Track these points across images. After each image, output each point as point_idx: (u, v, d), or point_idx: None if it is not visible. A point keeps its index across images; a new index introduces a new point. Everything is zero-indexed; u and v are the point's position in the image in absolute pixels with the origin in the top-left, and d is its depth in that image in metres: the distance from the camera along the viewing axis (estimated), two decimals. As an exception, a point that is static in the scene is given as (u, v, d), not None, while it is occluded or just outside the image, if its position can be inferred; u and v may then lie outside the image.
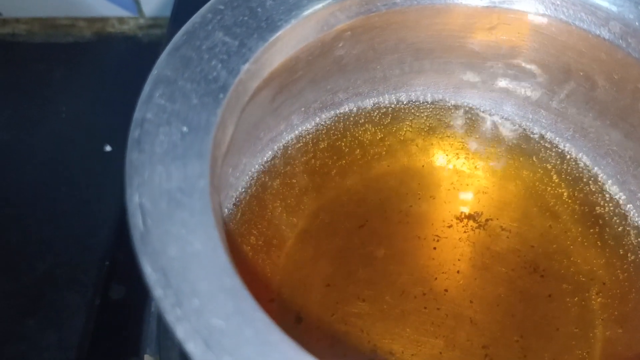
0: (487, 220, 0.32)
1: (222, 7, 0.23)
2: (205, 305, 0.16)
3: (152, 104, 0.20)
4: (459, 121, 0.33)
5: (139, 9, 0.63)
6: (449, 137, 0.33)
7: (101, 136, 0.56)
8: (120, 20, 0.64)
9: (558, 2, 0.25)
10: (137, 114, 0.20)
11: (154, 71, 0.21)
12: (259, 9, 0.23)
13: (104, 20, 0.64)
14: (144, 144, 0.19)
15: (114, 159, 0.55)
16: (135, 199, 0.18)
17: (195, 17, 0.23)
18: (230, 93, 0.22)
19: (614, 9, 0.24)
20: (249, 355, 0.16)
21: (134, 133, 0.19)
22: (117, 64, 0.63)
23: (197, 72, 0.22)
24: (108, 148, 0.56)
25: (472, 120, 0.33)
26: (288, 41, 0.24)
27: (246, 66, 0.22)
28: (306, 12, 0.24)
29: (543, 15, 0.26)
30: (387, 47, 0.29)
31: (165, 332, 0.29)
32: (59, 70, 0.60)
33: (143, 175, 0.18)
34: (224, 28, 0.23)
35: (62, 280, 0.48)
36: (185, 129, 0.20)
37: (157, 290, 0.16)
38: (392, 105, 0.33)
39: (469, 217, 0.32)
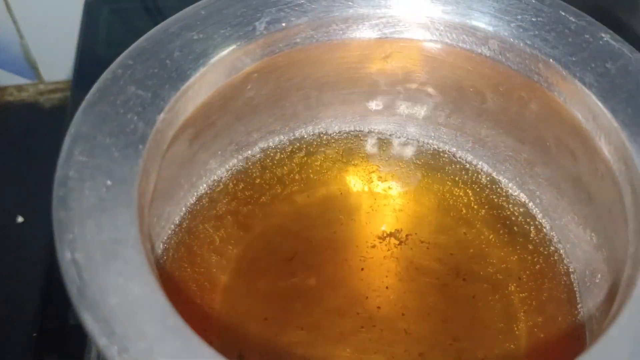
0: (407, 235, 0.33)
1: (131, 62, 0.24)
2: (153, 347, 0.17)
3: (72, 162, 0.21)
4: (368, 147, 0.35)
5: (37, 75, 0.63)
6: (361, 162, 0.35)
7: (11, 208, 0.54)
8: (19, 87, 0.64)
9: (442, 28, 0.28)
10: (59, 173, 0.20)
11: (71, 129, 0.22)
12: (167, 61, 0.24)
13: (1, 89, 0.63)
14: (69, 201, 0.20)
15: (28, 229, 0.53)
16: (67, 256, 0.18)
17: (106, 74, 0.23)
18: (149, 143, 0.22)
19: (490, 28, 0.27)
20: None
21: (58, 192, 0.20)
22: (20, 133, 0.62)
23: (114, 126, 0.22)
24: (20, 219, 0.54)
25: (381, 144, 0.35)
26: (199, 88, 0.25)
27: (161, 116, 0.23)
28: (213, 59, 0.25)
29: (430, 40, 0.28)
30: (293, 84, 0.31)
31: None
32: (-41, 143, 0.58)
33: (73, 231, 0.19)
34: (136, 82, 0.23)
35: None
36: (109, 182, 0.21)
37: (102, 340, 0.16)
38: (305, 139, 0.35)
39: (390, 235, 0.33)
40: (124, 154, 0.22)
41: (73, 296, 0.17)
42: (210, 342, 0.29)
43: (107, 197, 0.20)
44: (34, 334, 0.38)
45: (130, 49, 0.24)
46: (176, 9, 0.26)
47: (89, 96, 0.23)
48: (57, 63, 0.61)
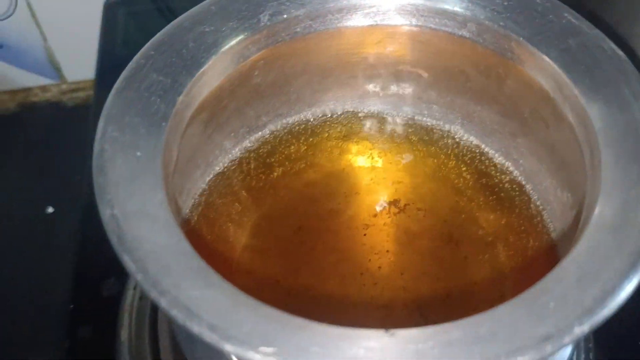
0: (405, 204, 0.37)
1: (152, 52, 0.28)
2: (180, 282, 0.20)
3: (107, 137, 0.24)
4: (368, 126, 0.38)
5: (60, 75, 0.66)
6: (362, 141, 0.38)
7: (41, 199, 0.58)
8: (43, 88, 0.66)
9: (426, 14, 0.31)
10: (96, 147, 0.24)
11: (104, 111, 0.25)
12: (183, 51, 0.28)
13: (26, 90, 0.66)
14: (106, 169, 0.23)
15: (58, 219, 0.57)
16: (107, 212, 0.22)
17: (132, 64, 0.27)
18: (170, 121, 0.26)
19: (468, 13, 0.30)
20: (225, 316, 0.20)
21: (97, 162, 0.23)
22: (46, 130, 0.65)
23: (140, 108, 0.26)
24: (50, 209, 0.57)
25: (379, 123, 0.38)
26: (211, 74, 0.29)
27: (180, 98, 0.27)
28: (223, 48, 0.29)
29: (416, 26, 0.32)
30: (296, 71, 0.34)
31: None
32: (-12, 144, 0.61)
33: (110, 192, 0.22)
34: (157, 70, 0.27)
35: (23, 344, 0.49)
36: (138, 153, 0.24)
37: (138, 275, 0.20)
38: (309, 121, 0.38)
39: (390, 204, 0.37)
40: (149, 131, 0.25)
41: (114, 243, 0.21)
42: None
43: (137, 167, 0.24)
44: (71, 306, 0.41)
45: (150, 41, 0.28)
46: (187, 9, 0.29)
47: (117, 83, 0.26)
48: (79, 64, 0.64)
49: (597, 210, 0.23)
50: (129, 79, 0.26)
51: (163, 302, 0.19)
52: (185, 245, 0.22)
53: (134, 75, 0.27)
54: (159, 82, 0.27)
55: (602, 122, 0.25)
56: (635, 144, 0.24)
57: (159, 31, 0.29)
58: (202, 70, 0.28)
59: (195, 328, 0.19)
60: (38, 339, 0.49)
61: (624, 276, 0.20)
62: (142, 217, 0.22)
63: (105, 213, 0.22)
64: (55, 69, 0.65)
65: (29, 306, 0.51)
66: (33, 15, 0.61)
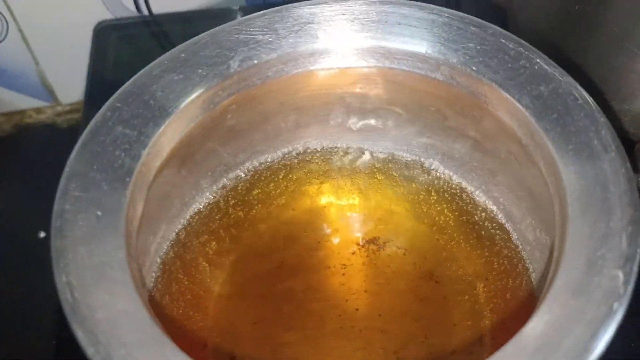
0: (384, 242, 0.36)
1: (119, 104, 0.27)
2: (132, 354, 0.20)
3: (68, 197, 0.24)
4: (347, 161, 0.38)
5: (54, 97, 0.66)
6: (341, 176, 0.38)
7: (34, 224, 0.57)
8: (38, 110, 0.66)
9: (399, 56, 0.31)
10: (56, 207, 0.24)
11: (67, 168, 0.25)
12: (151, 101, 0.28)
13: (21, 112, 0.66)
14: (65, 231, 0.23)
15: (50, 244, 0.56)
16: (63, 278, 0.22)
17: (97, 117, 0.27)
18: (135, 175, 0.26)
19: (441, 57, 0.30)
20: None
21: (55, 223, 0.23)
22: (40, 152, 0.65)
23: (104, 162, 0.26)
24: (42, 234, 0.57)
25: (358, 159, 0.38)
26: (180, 122, 0.29)
27: (146, 150, 0.27)
28: (192, 97, 0.29)
29: (390, 68, 0.31)
30: (272, 110, 0.34)
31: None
32: (-19, 167, 0.61)
33: (67, 257, 0.22)
34: (123, 122, 0.27)
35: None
36: (99, 212, 0.24)
37: (89, 349, 0.20)
38: (288, 157, 0.37)
39: (369, 242, 0.36)
40: (112, 187, 0.25)
41: (67, 313, 0.21)
42: (203, 346, 0.33)
43: (97, 226, 0.24)
44: (54, 342, 0.41)
45: (117, 92, 0.28)
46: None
47: (82, 137, 0.26)
48: (72, 86, 0.64)
49: (561, 270, 0.22)
50: (94, 133, 0.26)
51: (112, 378, 0.19)
52: (143, 312, 0.22)
53: (99, 128, 0.26)
54: (124, 135, 0.26)
55: (571, 174, 0.25)
56: (602, 200, 0.24)
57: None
58: (169, 120, 0.28)
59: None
60: None
61: (585, 348, 0.20)
62: (100, 281, 0.22)
63: (60, 280, 0.21)
64: (48, 92, 0.65)
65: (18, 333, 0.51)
66: (24, 39, 0.61)
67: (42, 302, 0.51)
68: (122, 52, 0.60)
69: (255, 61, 0.30)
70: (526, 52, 0.28)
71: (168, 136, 0.28)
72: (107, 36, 0.61)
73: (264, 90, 0.32)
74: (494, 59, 0.29)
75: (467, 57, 0.29)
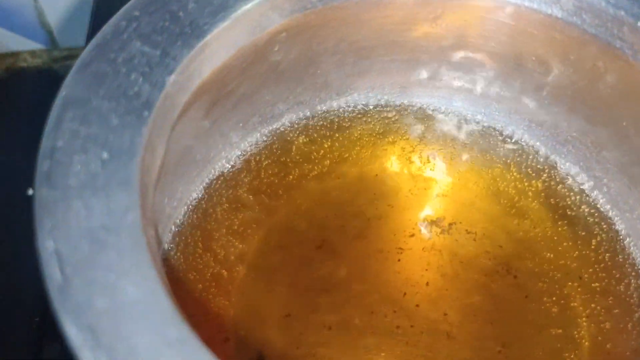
0: (450, 224, 0.30)
1: (137, 13, 0.20)
2: (149, 366, 0.13)
3: (62, 130, 0.17)
4: (409, 123, 0.32)
5: (52, 40, 0.61)
6: (400, 140, 0.32)
7: (22, 179, 0.52)
8: (33, 53, 0.62)
9: (504, -17, 0.24)
10: (44, 143, 0.17)
11: (62, 92, 0.18)
12: (180, 13, 0.21)
13: (14, 55, 0.61)
14: (55, 177, 0.16)
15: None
16: (48, 245, 0.15)
17: (107, 27, 0.20)
18: (156, 109, 0.19)
19: (563, -16, 0.23)
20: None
21: (42, 166, 0.16)
22: (33, 100, 0.60)
23: (114, 88, 0.19)
24: (31, 192, 0.52)
25: (423, 120, 0.32)
26: (217, 47, 0.22)
27: (172, 78, 0.20)
28: (235, 14, 0.22)
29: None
30: (326, 48, 0.28)
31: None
32: (-29, 110, 0.57)
33: (56, 215, 0.15)
34: (142, 36, 0.20)
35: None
36: (105, 155, 0.17)
37: (85, 355, 0.13)
38: (337, 113, 0.32)
39: (432, 223, 0.30)
40: (124, 122, 0.18)
41: (53, 296, 0.14)
42: (225, 339, 0.26)
43: (101, 174, 0.17)
44: (36, 319, 0.35)
45: (136, -3, 0.21)
46: None
47: (84, 54, 0.19)
48: (73, 28, 0.60)
49: None
50: (101, 48, 0.19)
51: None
52: (162, 299, 0.15)
53: (108, 43, 0.20)
54: (143, 54, 0.19)
55: None
56: None
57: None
58: (204, 41, 0.21)
59: None
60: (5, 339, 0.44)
61: None
62: (101, 253, 0.15)
63: (44, 247, 0.14)
64: (46, 32, 0.61)
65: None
66: (22, -31, 0.55)
67: (27, 268, 0.46)
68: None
69: (319, -25, 0.23)
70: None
71: (200, 63, 0.21)
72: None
73: (323, 18, 0.26)
74: (640, -11, 0.22)
75: (602, -14, 0.22)
